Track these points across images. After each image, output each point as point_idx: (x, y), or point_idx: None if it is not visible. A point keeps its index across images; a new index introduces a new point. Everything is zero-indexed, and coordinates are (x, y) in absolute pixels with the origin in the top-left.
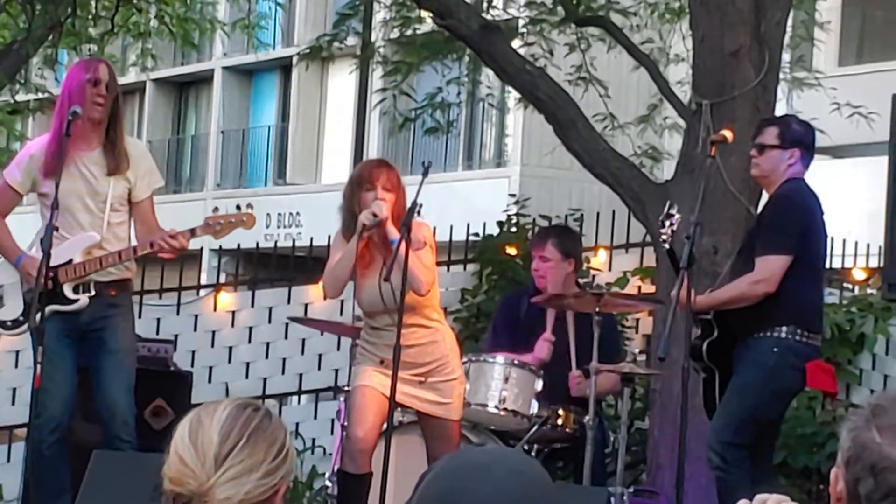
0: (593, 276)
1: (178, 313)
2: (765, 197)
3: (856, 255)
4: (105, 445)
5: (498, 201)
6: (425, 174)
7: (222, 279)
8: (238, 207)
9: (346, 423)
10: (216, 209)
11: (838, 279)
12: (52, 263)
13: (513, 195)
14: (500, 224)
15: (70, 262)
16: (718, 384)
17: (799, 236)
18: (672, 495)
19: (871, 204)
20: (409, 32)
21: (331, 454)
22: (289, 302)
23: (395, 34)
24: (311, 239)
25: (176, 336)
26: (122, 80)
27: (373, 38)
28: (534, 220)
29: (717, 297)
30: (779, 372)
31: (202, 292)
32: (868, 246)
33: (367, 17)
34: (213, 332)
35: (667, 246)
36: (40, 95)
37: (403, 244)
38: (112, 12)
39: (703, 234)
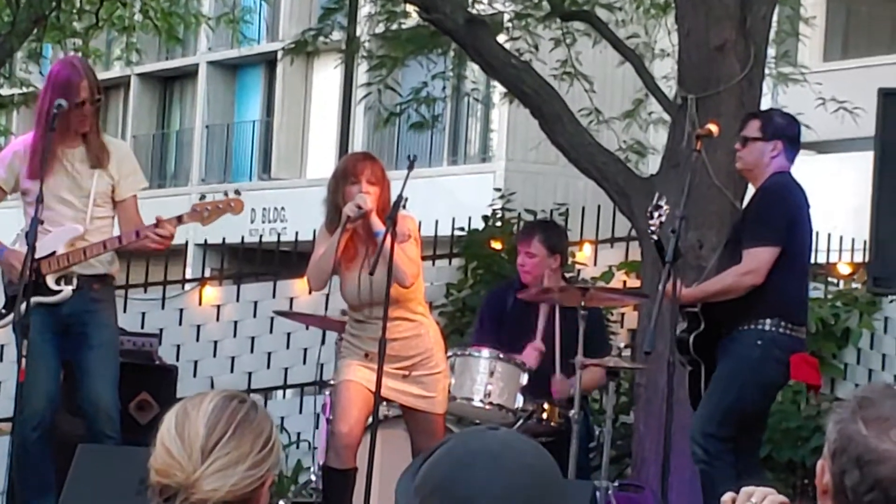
0: (578, 271)
1: (163, 307)
2: (750, 191)
3: (841, 249)
4: (89, 440)
5: (483, 196)
6: (410, 167)
7: (207, 274)
8: (225, 194)
9: (331, 418)
10: (203, 196)
11: (823, 274)
12: (35, 256)
13: (498, 189)
14: (486, 218)
15: (53, 253)
16: (704, 377)
17: (785, 229)
18: (657, 489)
19: (856, 199)
20: (394, 27)
21: (316, 448)
22: (274, 296)
23: (380, 29)
24: (297, 233)
25: (161, 330)
26: (106, 75)
27: (358, 33)
28: (519, 214)
29: (705, 290)
30: (763, 364)
31: (187, 286)
32: (853, 241)
33: (353, 12)
34: (198, 327)
35: (655, 238)
36: (25, 90)
37: (389, 237)
38: (97, 6)
39: (689, 229)
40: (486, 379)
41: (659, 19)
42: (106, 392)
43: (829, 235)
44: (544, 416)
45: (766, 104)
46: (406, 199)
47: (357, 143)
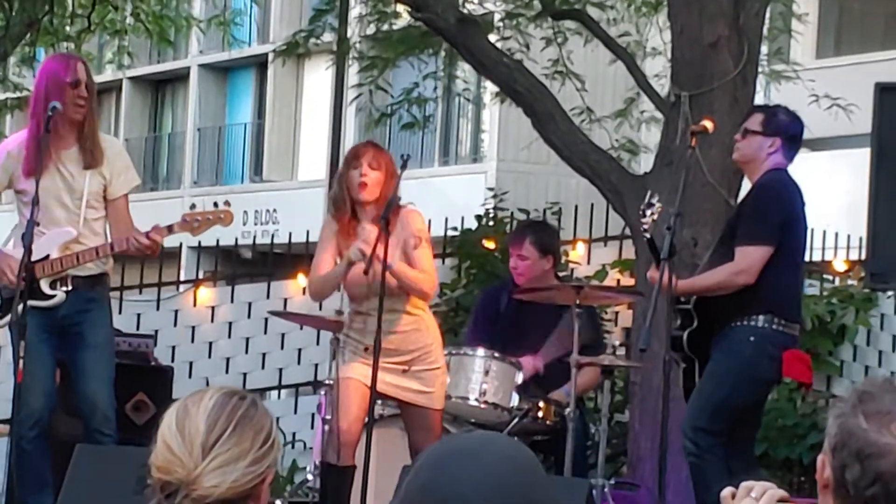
0: (572, 270)
1: (158, 309)
2: (745, 188)
3: (836, 247)
4: (86, 440)
5: (475, 196)
6: (404, 167)
7: (201, 276)
8: (215, 205)
9: (326, 417)
10: (193, 206)
11: (818, 271)
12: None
13: (491, 189)
14: (479, 218)
15: (47, 257)
16: (698, 375)
17: (780, 227)
18: (653, 487)
19: (849, 196)
20: (385, 28)
21: (311, 448)
22: (268, 297)
23: (371, 30)
24: (290, 235)
25: (156, 331)
26: (98, 79)
27: (349, 34)
28: (512, 213)
29: (697, 284)
30: (755, 360)
31: (182, 288)
32: (849, 237)
33: (343, 13)
34: (193, 328)
35: (647, 235)
36: (19, 94)
37: (382, 238)
38: (88, 10)
39: (683, 227)
40: (482, 378)
41: (650, 17)
42: (102, 392)
43: (825, 232)
44: (540, 414)
45: (758, 102)
46: (400, 199)
47: (349, 145)
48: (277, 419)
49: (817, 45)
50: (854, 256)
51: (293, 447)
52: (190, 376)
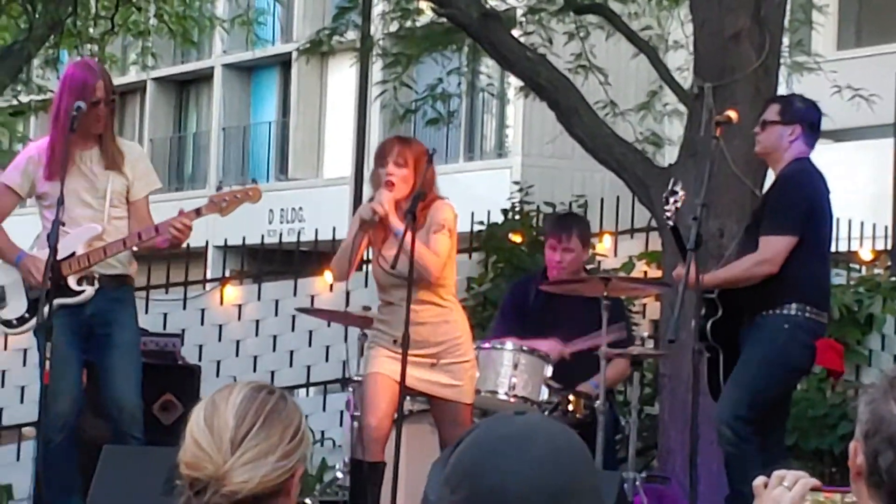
0: (599, 262)
1: (184, 308)
2: (769, 179)
3: (862, 237)
4: (114, 441)
5: (500, 192)
6: (430, 162)
7: (227, 274)
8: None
9: (355, 414)
10: (220, 187)
11: (844, 261)
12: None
13: (517, 183)
14: (505, 212)
15: (73, 254)
16: (723, 364)
17: (803, 217)
18: (683, 480)
19: (874, 186)
20: (408, 24)
21: (340, 446)
22: (295, 294)
23: (394, 27)
24: (316, 231)
25: (183, 330)
26: (122, 80)
27: (372, 31)
28: (538, 207)
29: (720, 276)
30: (789, 348)
31: (208, 286)
32: (874, 227)
33: (366, 11)
34: (220, 326)
35: (671, 223)
36: (42, 96)
37: (409, 233)
38: (112, 12)
39: (709, 217)
40: (511, 371)
41: (672, 11)
42: (130, 392)
43: (850, 222)
44: (570, 407)
45: (781, 93)
46: (425, 193)
47: (373, 142)
48: (306, 417)
49: (838, 37)
50: (880, 246)
51: (322, 445)
52: (217, 375)
